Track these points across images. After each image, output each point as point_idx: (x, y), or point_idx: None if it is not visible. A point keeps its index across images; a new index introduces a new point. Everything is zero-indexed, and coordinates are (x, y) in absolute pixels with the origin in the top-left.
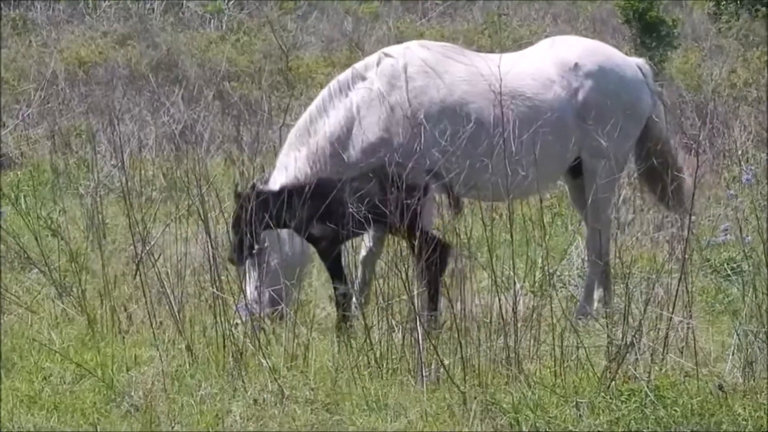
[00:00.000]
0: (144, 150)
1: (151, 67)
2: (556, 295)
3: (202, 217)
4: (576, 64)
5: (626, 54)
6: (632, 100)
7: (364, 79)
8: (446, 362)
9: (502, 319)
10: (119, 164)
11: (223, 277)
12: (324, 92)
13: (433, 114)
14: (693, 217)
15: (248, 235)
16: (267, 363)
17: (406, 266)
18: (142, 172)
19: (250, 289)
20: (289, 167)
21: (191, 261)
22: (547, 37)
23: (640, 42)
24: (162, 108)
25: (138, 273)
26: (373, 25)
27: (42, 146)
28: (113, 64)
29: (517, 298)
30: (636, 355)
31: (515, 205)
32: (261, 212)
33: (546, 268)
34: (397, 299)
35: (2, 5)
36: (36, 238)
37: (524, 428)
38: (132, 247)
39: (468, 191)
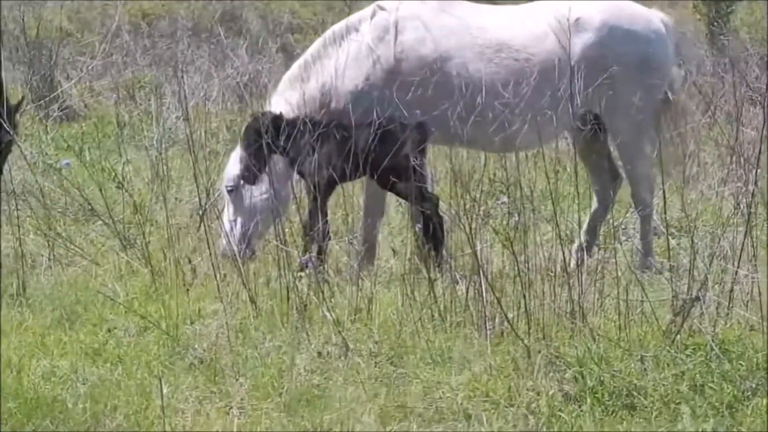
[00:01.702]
0: (208, 102)
1: (214, 19)
2: (621, 247)
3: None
4: (578, 19)
5: (694, 5)
6: (644, 53)
7: (357, 30)
8: (510, 315)
9: (566, 272)
10: (183, 116)
11: (286, 230)
12: (319, 41)
13: (418, 67)
14: (758, 171)
15: (258, 157)
16: (331, 316)
17: (470, 219)
18: (207, 124)
19: (226, 222)
20: (278, 110)
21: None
22: None
23: None
24: (226, 60)
25: (202, 225)
26: None
27: (106, 98)
28: (176, 16)
29: (580, 251)
30: (701, 309)
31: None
32: (272, 135)
33: (610, 221)
34: (461, 252)
35: None
36: (100, 190)
37: (589, 382)
38: (196, 199)
39: (455, 142)
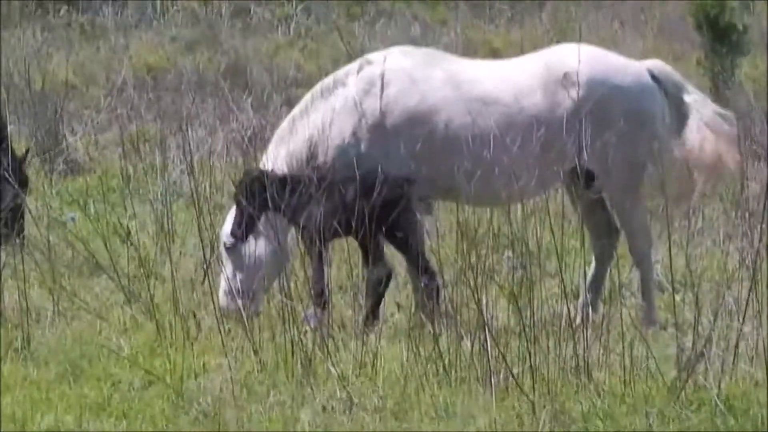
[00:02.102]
0: (213, 156)
1: (219, 73)
2: (625, 303)
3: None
4: (566, 74)
5: (698, 60)
6: (634, 106)
7: (344, 85)
8: (515, 370)
9: (571, 327)
10: (188, 170)
11: (291, 284)
12: (308, 95)
13: (405, 121)
14: (763, 226)
15: (252, 213)
16: (336, 370)
17: (475, 275)
18: (211, 177)
19: (225, 279)
20: (268, 165)
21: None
22: (614, 44)
23: (710, 48)
24: (230, 114)
25: (207, 279)
26: (441, 31)
27: (111, 152)
28: (182, 69)
29: (587, 307)
30: (706, 364)
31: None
32: (264, 193)
33: (619, 276)
34: (465, 307)
35: (72, 10)
36: (105, 244)
37: None
38: (201, 253)
39: (446, 196)
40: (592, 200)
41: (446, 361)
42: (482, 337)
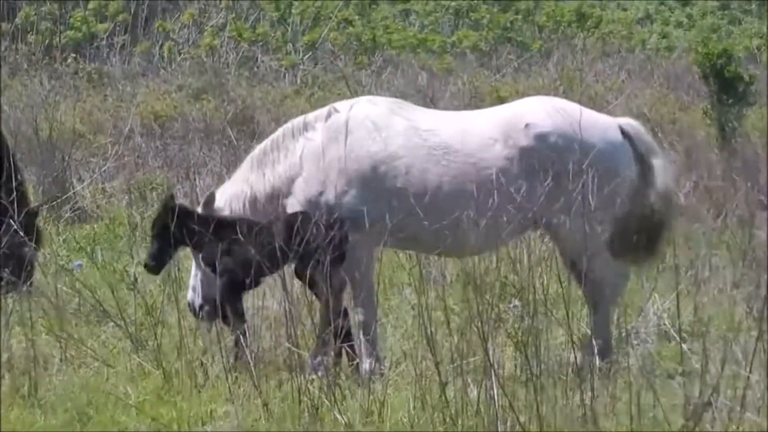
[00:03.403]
0: None
1: (226, 121)
2: (633, 352)
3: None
4: (527, 125)
5: (704, 110)
6: (596, 162)
7: (313, 129)
8: (522, 419)
9: (578, 376)
10: None
11: (298, 332)
12: (280, 131)
13: (367, 168)
14: None
15: (167, 245)
16: (343, 419)
17: (482, 322)
18: None
19: (192, 281)
20: (225, 196)
21: (267, 315)
22: (621, 93)
23: (717, 99)
24: (237, 162)
25: (213, 327)
26: (448, 81)
27: (118, 199)
28: (189, 117)
29: (594, 355)
30: (713, 413)
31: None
32: (181, 227)
33: (626, 324)
34: (473, 356)
35: (79, 58)
36: (112, 292)
37: None
38: None
39: (405, 243)
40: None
41: (453, 410)
42: (489, 386)
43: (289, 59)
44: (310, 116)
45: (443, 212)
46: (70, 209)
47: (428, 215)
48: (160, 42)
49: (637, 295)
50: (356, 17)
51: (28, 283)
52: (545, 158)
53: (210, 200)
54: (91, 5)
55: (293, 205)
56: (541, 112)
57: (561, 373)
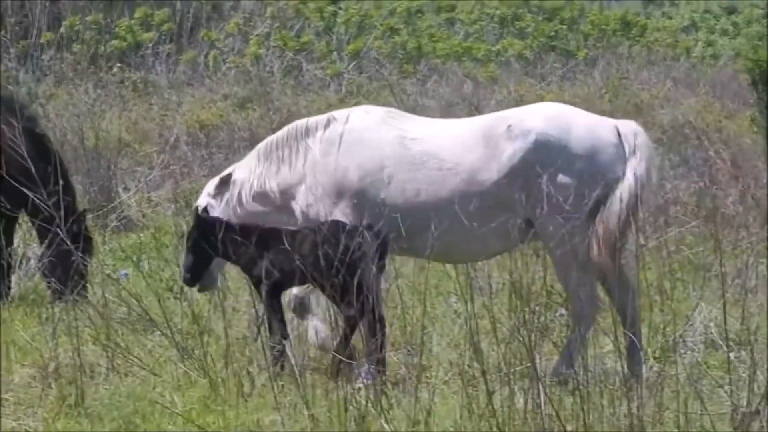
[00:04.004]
0: None
1: (271, 129)
2: (680, 360)
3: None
4: (509, 127)
5: (752, 117)
6: (578, 163)
7: (313, 138)
8: (569, 428)
9: (625, 385)
10: None
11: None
12: (283, 133)
13: (354, 180)
14: None
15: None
16: (389, 427)
17: (529, 331)
18: None
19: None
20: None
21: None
22: (666, 101)
23: (765, 105)
24: None
25: (260, 335)
26: (493, 89)
27: (164, 208)
28: (234, 126)
29: (641, 364)
30: (761, 422)
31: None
32: (209, 238)
33: (673, 333)
34: (519, 364)
35: (124, 67)
36: (158, 301)
37: None
38: (253, 310)
39: (401, 251)
40: None
41: (500, 419)
42: (536, 394)
43: (334, 68)
44: (312, 122)
45: (424, 220)
46: (116, 218)
47: (410, 223)
48: (206, 51)
49: (684, 304)
50: (401, 26)
51: (76, 291)
52: (528, 160)
53: (226, 180)
54: (136, 14)
55: (295, 208)
56: (528, 115)
57: (607, 382)
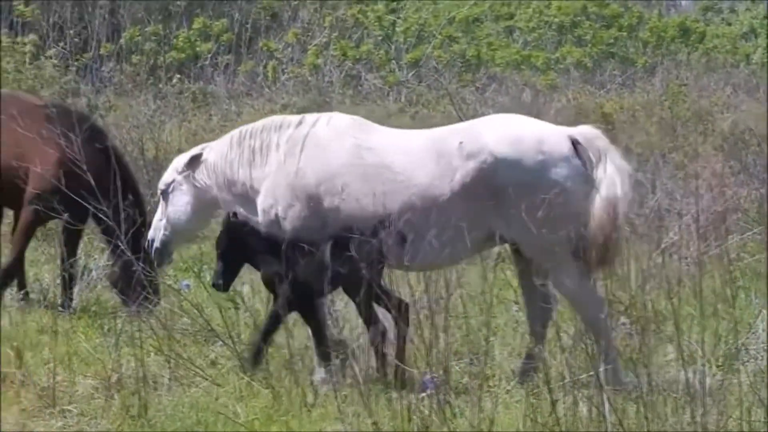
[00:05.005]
0: None
1: None
2: (744, 368)
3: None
4: (460, 144)
5: None
6: (528, 175)
7: (283, 137)
8: None
9: (689, 393)
10: None
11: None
12: (259, 126)
13: (311, 185)
14: None
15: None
16: None
17: (590, 340)
18: None
19: (155, 221)
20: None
21: (375, 333)
22: (727, 108)
23: None
24: None
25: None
26: (552, 97)
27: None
28: None
29: (704, 372)
30: None
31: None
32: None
33: (735, 341)
34: (584, 374)
35: (183, 78)
36: (220, 311)
37: None
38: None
39: None
40: (521, 268)
41: (563, 428)
42: (599, 403)
43: (393, 77)
44: (287, 120)
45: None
46: None
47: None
48: (264, 61)
49: (747, 312)
50: (460, 34)
51: (137, 302)
52: (480, 178)
53: (196, 158)
54: (195, 25)
55: (258, 205)
56: (479, 131)
57: (671, 391)
